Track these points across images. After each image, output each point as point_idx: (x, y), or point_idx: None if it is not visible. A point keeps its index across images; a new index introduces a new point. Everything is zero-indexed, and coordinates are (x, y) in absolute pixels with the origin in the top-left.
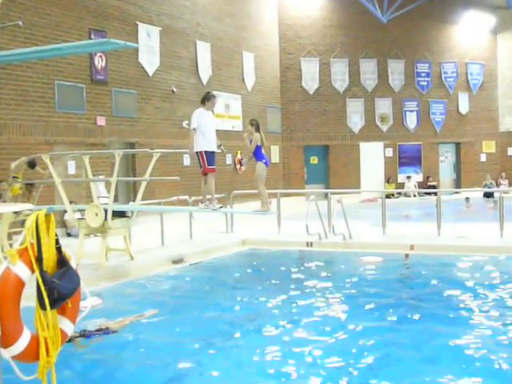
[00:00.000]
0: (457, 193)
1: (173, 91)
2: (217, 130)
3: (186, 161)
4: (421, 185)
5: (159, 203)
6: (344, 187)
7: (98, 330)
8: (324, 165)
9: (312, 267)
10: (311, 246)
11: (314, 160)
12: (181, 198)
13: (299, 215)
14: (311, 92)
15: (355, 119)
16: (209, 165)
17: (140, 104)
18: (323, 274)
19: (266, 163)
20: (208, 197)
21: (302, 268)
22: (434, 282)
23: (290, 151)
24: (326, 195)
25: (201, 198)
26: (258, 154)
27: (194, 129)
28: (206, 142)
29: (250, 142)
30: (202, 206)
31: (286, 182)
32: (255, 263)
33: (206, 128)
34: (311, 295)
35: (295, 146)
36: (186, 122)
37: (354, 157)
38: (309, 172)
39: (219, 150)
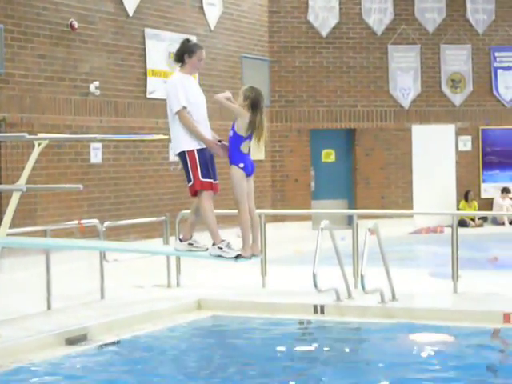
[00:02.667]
0: None
1: (71, 27)
2: (152, 101)
3: (95, 155)
4: None
5: (44, 232)
6: (382, 206)
7: None
8: (347, 165)
9: (324, 353)
10: (322, 312)
11: (329, 156)
12: (85, 222)
13: (301, 256)
14: (325, 33)
15: (404, 82)
16: (203, 176)
17: (11, 49)
18: (345, 369)
19: (245, 169)
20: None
21: (306, 356)
22: None
23: (286, 139)
24: (349, 220)
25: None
26: (233, 151)
27: (185, 108)
28: None
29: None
30: (180, 247)
31: (277, 194)
32: (220, 346)
33: (196, 107)
34: None
35: (295, 130)
36: (96, 83)
37: (402, 151)
38: (319, 178)
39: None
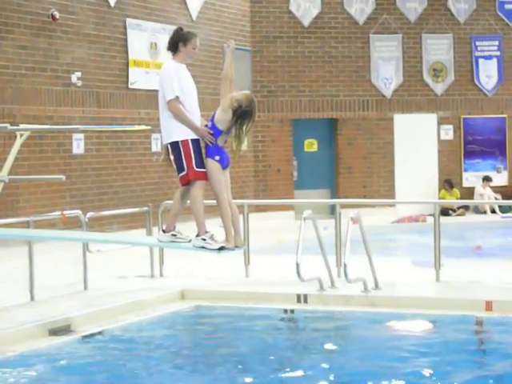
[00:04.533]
0: None
1: (53, 18)
2: (134, 92)
3: (78, 146)
4: (506, 192)
5: (27, 223)
6: (365, 196)
7: None
8: (329, 154)
9: (307, 342)
10: (305, 301)
11: (312, 145)
12: (68, 213)
13: (284, 246)
14: (306, 23)
15: (386, 72)
16: (198, 166)
17: None
18: (329, 360)
19: (221, 161)
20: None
21: (290, 345)
22: None
23: (268, 129)
24: (331, 210)
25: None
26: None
27: (178, 97)
28: None
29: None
30: (163, 238)
31: (259, 185)
32: (203, 336)
33: (189, 97)
34: None
35: (277, 121)
36: (78, 74)
37: (385, 140)
38: (301, 167)
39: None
